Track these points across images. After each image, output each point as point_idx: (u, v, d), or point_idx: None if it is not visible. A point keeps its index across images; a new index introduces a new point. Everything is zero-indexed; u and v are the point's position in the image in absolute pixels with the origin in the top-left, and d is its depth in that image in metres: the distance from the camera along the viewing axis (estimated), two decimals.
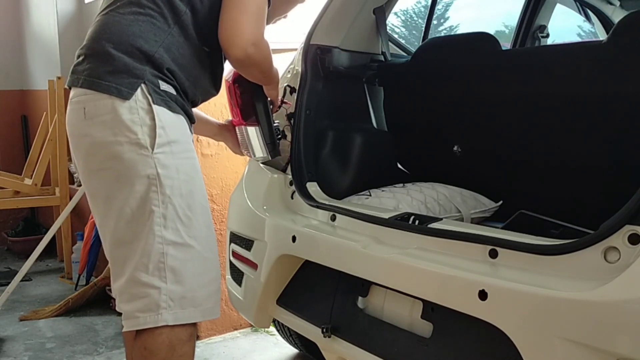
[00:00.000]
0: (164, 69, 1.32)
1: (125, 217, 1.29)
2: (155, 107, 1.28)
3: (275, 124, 1.77)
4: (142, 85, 1.28)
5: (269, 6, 1.40)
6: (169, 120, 1.31)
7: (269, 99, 1.72)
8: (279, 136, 1.77)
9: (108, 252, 1.37)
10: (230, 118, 1.87)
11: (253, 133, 1.78)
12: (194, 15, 1.37)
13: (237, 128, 1.82)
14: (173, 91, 1.34)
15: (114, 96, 1.26)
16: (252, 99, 1.76)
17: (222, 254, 2.48)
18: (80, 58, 1.34)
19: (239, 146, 1.87)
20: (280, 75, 1.70)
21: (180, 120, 1.35)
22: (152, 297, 1.28)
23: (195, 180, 1.36)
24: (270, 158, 1.78)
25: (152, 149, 1.27)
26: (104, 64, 1.29)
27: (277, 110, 1.77)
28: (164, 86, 1.31)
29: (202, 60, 1.42)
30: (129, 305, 1.31)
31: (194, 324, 1.36)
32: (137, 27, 1.31)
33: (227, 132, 1.84)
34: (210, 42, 1.40)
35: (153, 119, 1.27)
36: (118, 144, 1.26)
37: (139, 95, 1.27)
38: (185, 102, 1.38)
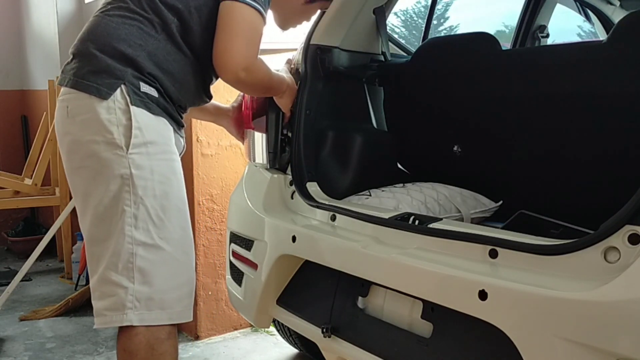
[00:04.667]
0: (146, 72, 1.33)
1: (99, 215, 1.31)
2: (132, 108, 1.29)
3: (282, 137, 1.78)
4: (122, 86, 1.29)
5: (264, 20, 1.42)
6: (147, 122, 1.32)
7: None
8: (285, 148, 1.79)
9: (85, 248, 1.39)
10: (232, 103, 1.88)
11: (259, 139, 1.80)
12: (183, 25, 1.38)
13: (245, 130, 1.85)
14: (155, 93, 1.35)
15: (94, 96, 1.29)
16: (265, 107, 1.78)
17: (222, 254, 2.49)
18: (70, 58, 1.38)
19: (237, 128, 1.87)
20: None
21: (161, 122, 1.36)
22: (119, 296, 1.30)
23: (172, 182, 1.36)
24: (268, 167, 1.81)
25: (127, 149, 1.28)
26: (87, 65, 1.32)
27: (287, 121, 1.78)
28: (145, 88, 1.33)
29: (191, 69, 1.43)
30: (99, 303, 1.33)
31: None
32: (123, 31, 1.33)
33: (225, 117, 1.84)
34: (200, 52, 1.42)
35: (130, 119, 1.29)
36: (95, 143, 1.29)
37: (118, 96, 1.29)
38: (168, 105, 1.39)
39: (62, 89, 1.36)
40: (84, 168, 1.32)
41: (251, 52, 1.40)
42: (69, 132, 1.34)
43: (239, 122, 1.85)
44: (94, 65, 1.30)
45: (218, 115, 1.84)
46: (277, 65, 1.84)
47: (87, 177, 1.32)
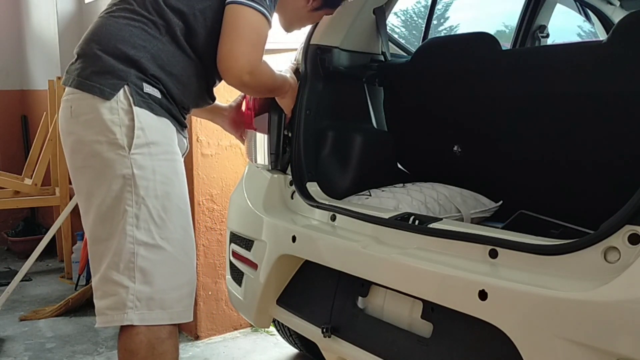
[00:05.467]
0: (149, 73, 1.34)
1: (101, 215, 1.32)
2: (135, 109, 1.30)
3: (283, 137, 1.78)
4: (125, 86, 1.30)
5: (270, 24, 1.42)
6: (150, 122, 1.32)
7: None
8: (286, 148, 1.78)
9: (88, 247, 1.40)
10: (231, 103, 1.86)
11: (260, 140, 1.80)
12: (187, 28, 1.39)
13: (246, 130, 1.84)
14: (158, 94, 1.35)
15: (97, 96, 1.29)
16: (268, 108, 1.78)
17: (222, 254, 2.49)
18: (74, 58, 1.39)
19: (234, 128, 1.86)
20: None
21: (163, 123, 1.37)
22: (121, 295, 1.30)
23: (174, 182, 1.37)
24: (270, 168, 1.80)
25: (130, 149, 1.29)
26: (91, 65, 1.32)
27: (288, 122, 1.77)
28: (148, 89, 1.33)
29: (194, 71, 1.43)
30: (101, 302, 1.34)
31: None
32: (127, 32, 1.34)
33: (221, 115, 1.83)
34: (204, 55, 1.42)
35: (132, 119, 1.29)
36: (98, 143, 1.30)
37: (121, 96, 1.30)
38: (171, 106, 1.40)
39: (66, 89, 1.37)
40: (87, 168, 1.33)
41: (256, 55, 1.40)
42: (73, 132, 1.34)
43: (237, 122, 1.84)
44: (97, 66, 1.31)
45: (215, 113, 1.83)
46: (279, 65, 1.84)
47: (90, 177, 1.33)
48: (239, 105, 1.84)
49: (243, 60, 1.37)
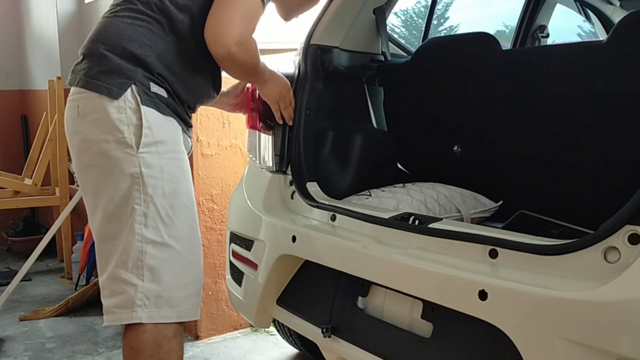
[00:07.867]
0: (155, 73, 1.34)
1: (109, 213, 1.32)
2: (143, 108, 1.30)
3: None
4: (132, 86, 1.30)
5: (264, 7, 1.39)
6: (157, 121, 1.33)
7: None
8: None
9: (95, 246, 1.40)
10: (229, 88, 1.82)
11: (264, 141, 1.79)
12: (193, 24, 1.38)
13: (248, 130, 1.83)
14: (164, 94, 1.36)
15: (104, 95, 1.29)
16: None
17: (222, 254, 2.49)
18: (80, 58, 1.39)
19: (235, 108, 1.84)
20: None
21: (170, 122, 1.37)
22: (129, 294, 1.30)
23: (181, 181, 1.37)
24: (274, 169, 1.79)
25: (138, 148, 1.29)
26: (98, 65, 1.32)
27: (280, 120, 1.74)
28: (155, 88, 1.33)
29: (199, 69, 1.43)
30: (109, 300, 1.34)
31: None
32: (132, 32, 1.33)
33: (223, 102, 1.80)
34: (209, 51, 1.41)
35: (140, 118, 1.29)
36: (106, 142, 1.30)
37: (128, 96, 1.30)
38: (177, 105, 1.40)
39: (73, 89, 1.37)
40: (94, 167, 1.33)
41: (247, 28, 1.36)
42: (79, 131, 1.34)
43: (240, 105, 1.80)
44: (104, 65, 1.31)
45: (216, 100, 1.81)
46: (279, 65, 1.83)
47: (97, 176, 1.33)
48: (240, 88, 1.79)
49: (232, 30, 1.32)
